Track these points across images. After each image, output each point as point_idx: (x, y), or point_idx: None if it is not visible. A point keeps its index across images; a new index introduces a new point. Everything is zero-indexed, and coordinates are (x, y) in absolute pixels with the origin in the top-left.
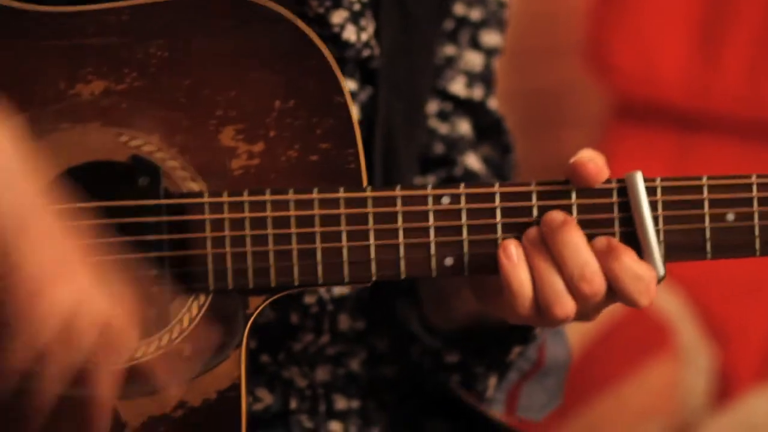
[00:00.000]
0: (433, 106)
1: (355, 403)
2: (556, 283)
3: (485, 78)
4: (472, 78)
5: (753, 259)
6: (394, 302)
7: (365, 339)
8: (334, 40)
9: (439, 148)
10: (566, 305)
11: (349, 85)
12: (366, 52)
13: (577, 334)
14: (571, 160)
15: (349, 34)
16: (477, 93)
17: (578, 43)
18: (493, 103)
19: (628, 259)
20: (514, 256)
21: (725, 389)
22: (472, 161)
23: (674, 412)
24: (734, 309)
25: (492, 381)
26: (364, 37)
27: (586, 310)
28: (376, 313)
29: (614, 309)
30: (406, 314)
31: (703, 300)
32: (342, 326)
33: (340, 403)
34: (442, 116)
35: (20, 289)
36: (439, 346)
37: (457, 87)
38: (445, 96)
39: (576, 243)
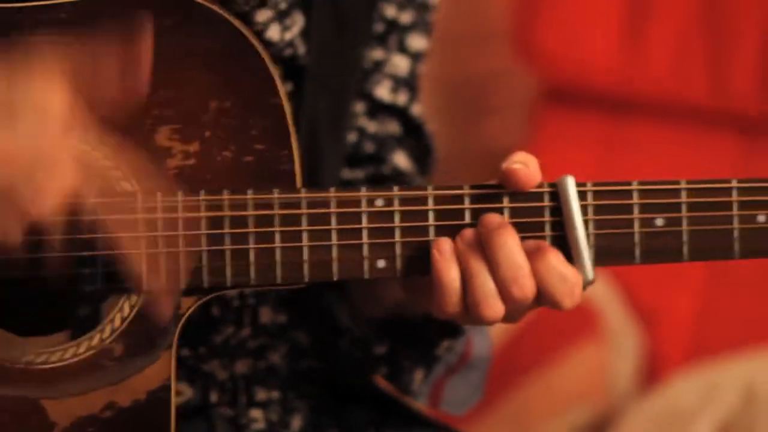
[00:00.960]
0: (360, 107)
1: (275, 394)
2: (487, 285)
3: (410, 83)
4: (397, 82)
5: None
6: (318, 296)
7: (287, 333)
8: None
9: (369, 147)
10: (495, 307)
11: None
12: (288, 52)
13: None
14: (503, 165)
15: (273, 33)
16: (401, 98)
17: (506, 29)
18: (416, 109)
19: (554, 259)
20: (447, 253)
21: (652, 373)
22: (401, 160)
23: (601, 397)
24: (660, 292)
25: (418, 374)
26: (288, 36)
27: (513, 313)
28: (298, 307)
29: None
30: (336, 307)
31: (629, 283)
32: (263, 319)
33: (261, 394)
34: (371, 114)
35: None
36: (369, 337)
37: (383, 91)
38: (371, 100)
39: (511, 246)
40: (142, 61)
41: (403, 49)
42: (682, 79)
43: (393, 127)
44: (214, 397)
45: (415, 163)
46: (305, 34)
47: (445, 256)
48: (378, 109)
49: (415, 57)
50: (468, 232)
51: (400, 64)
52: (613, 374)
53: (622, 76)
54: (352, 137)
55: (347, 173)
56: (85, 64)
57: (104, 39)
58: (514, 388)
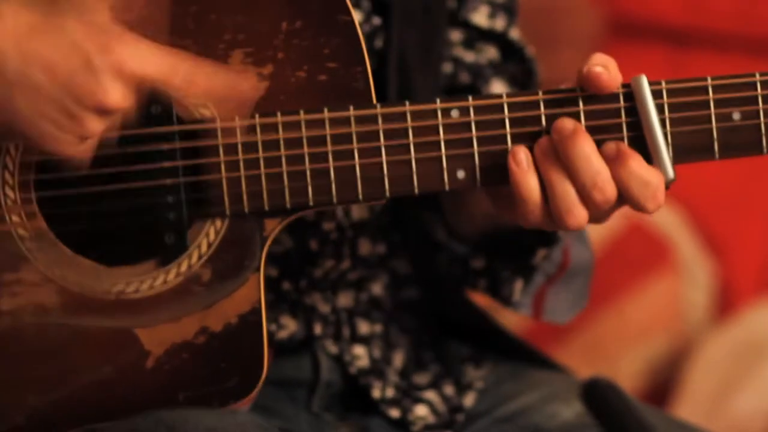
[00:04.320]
0: (457, 35)
1: (378, 328)
2: (568, 192)
3: (508, 7)
4: (495, 7)
5: (748, 173)
6: (417, 222)
7: (386, 263)
8: None
9: (464, 78)
10: (578, 214)
11: (358, 15)
12: None
13: None
14: (584, 69)
15: None
16: (499, 23)
17: None
18: (515, 33)
19: (635, 164)
20: (523, 163)
21: (725, 303)
22: (498, 88)
23: (676, 327)
24: (731, 223)
25: (518, 285)
26: None
27: (597, 216)
28: (397, 236)
29: (613, 226)
30: (431, 224)
31: (700, 215)
32: (362, 251)
33: (363, 327)
34: (468, 44)
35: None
36: (466, 252)
37: (480, 17)
38: (468, 26)
39: (587, 152)
40: None
41: None
42: (747, 8)
43: (491, 53)
44: (318, 329)
45: (515, 88)
46: None
47: (522, 167)
48: (475, 37)
49: None
50: (544, 141)
51: None
52: (687, 305)
53: (687, 8)
54: (448, 68)
55: None
56: None
57: None
58: (588, 320)
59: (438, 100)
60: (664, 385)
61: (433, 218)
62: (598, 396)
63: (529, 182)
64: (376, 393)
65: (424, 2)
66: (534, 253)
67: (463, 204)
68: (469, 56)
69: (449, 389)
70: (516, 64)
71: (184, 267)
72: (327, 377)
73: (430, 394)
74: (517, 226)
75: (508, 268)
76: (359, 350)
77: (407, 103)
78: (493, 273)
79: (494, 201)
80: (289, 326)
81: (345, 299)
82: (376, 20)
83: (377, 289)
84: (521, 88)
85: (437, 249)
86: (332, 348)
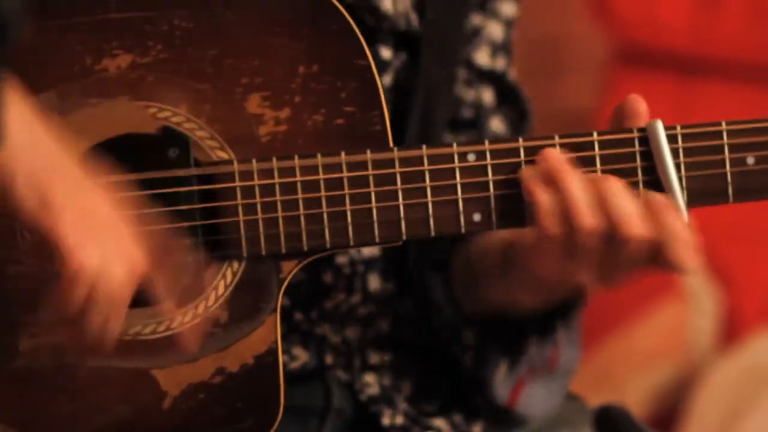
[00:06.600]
0: (461, 74)
1: (387, 357)
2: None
3: (505, 47)
4: (495, 48)
5: (756, 203)
6: (422, 268)
7: (392, 302)
8: (372, 10)
9: (467, 113)
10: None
11: (384, 52)
12: (401, 23)
13: None
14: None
15: (387, 5)
16: (500, 63)
17: None
18: (512, 74)
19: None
20: (532, 173)
21: (731, 331)
22: (497, 124)
23: (682, 354)
24: (738, 252)
25: (502, 367)
26: (401, 7)
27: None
28: (405, 276)
29: None
30: (433, 284)
31: (707, 243)
32: (373, 287)
33: (374, 357)
34: (468, 83)
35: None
36: (459, 321)
37: (482, 57)
38: (470, 65)
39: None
40: None
41: (497, 15)
42: (755, 37)
43: (487, 96)
44: (329, 359)
45: (510, 128)
46: (417, 5)
47: (533, 178)
48: (474, 78)
49: (508, 23)
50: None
51: (495, 30)
52: (693, 332)
53: (696, 36)
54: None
55: (449, 137)
56: None
57: None
58: (595, 346)
59: (454, 144)
60: (670, 411)
61: (434, 276)
62: (611, 423)
63: (541, 193)
64: (385, 420)
65: (448, 39)
66: (526, 338)
67: (473, 283)
68: (469, 95)
69: (458, 417)
70: (511, 107)
71: (201, 308)
72: (338, 405)
73: (439, 422)
74: (516, 316)
75: (498, 345)
76: (369, 378)
77: (424, 147)
78: (481, 349)
79: (508, 263)
80: (301, 357)
81: (352, 333)
82: (402, 56)
83: (384, 326)
84: (515, 129)
85: (435, 309)
86: (343, 376)
